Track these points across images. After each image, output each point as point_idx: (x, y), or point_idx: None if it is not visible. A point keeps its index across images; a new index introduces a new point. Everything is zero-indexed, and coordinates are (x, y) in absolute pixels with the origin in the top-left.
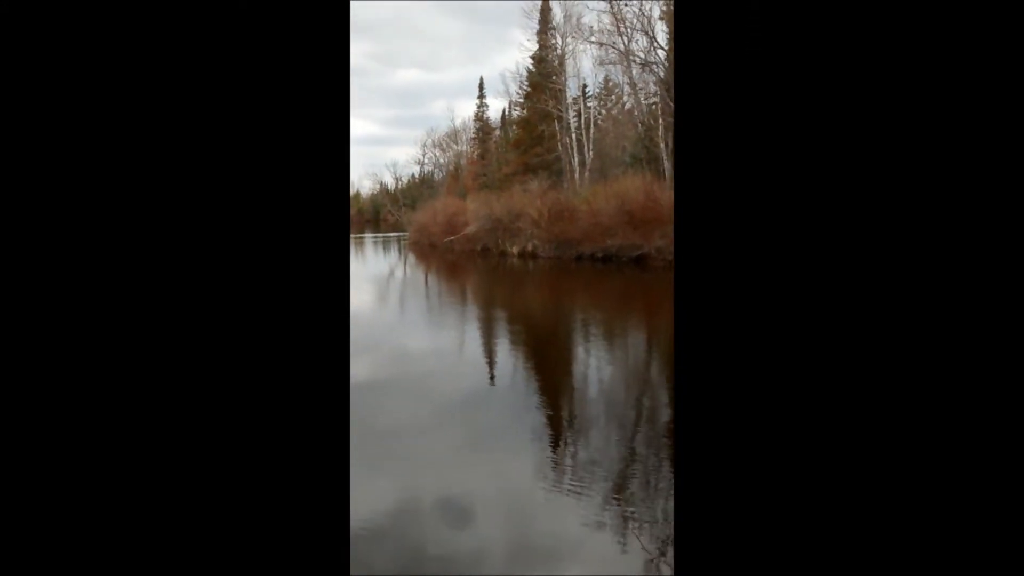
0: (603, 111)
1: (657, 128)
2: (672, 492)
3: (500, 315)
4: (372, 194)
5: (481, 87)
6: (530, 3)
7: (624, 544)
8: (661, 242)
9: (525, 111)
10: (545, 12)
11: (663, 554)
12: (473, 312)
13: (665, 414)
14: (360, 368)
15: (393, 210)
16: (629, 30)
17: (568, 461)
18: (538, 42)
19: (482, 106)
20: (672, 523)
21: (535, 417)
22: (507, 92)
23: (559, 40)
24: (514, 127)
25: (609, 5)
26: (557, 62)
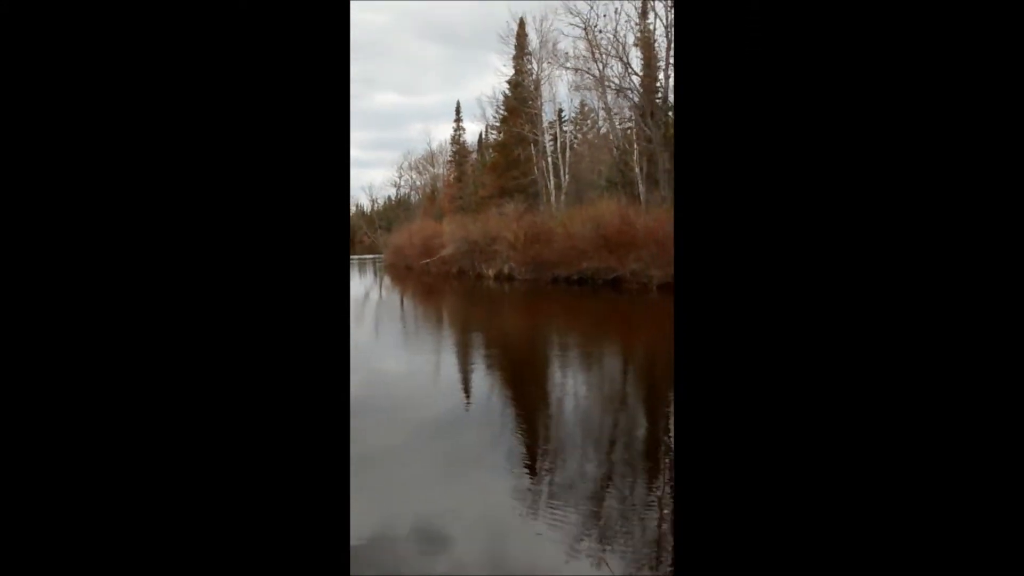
0: (579, 135)
1: (632, 152)
2: (646, 513)
3: (476, 338)
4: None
5: (458, 110)
6: (506, 29)
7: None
8: (636, 265)
9: (501, 135)
10: (521, 38)
11: None
12: (449, 335)
13: (641, 437)
14: None
15: (369, 232)
16: (604, 56)
17: (544, 486)
18: (514, 67)
19: (459, 129)
20: (648, 543)
21: (510, 441)
22: (484, 116)
23: (535, 65)
24: (490, 150)
25: (584, 32)
26: (533, 87)
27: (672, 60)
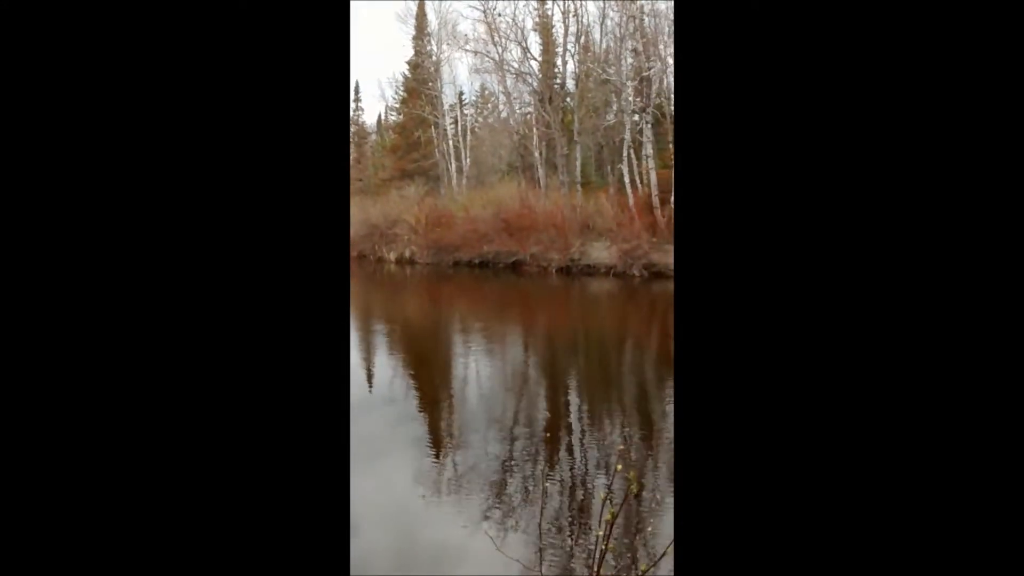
0: (479, 119)
1: (531, 137)
2: (544, 495)
3: (378, 322)
4: None
5: (356, 90)
6: (404, 8)
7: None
8: (535, 248)
9: (401, 116)
10: (420, 18)
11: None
12: (351, 320)
13: (541, 418)
14: None
15: None
16: (503, 40)
17: (448, 468)
18: (414, 47)
19: (358, 110)
20: (547, 517)
21: (414, 426)
22: (383, 96)
23: (435, 46)
24: (390, 132)
25: (483, 15)
26: (433, 68)
27: (569, 47)
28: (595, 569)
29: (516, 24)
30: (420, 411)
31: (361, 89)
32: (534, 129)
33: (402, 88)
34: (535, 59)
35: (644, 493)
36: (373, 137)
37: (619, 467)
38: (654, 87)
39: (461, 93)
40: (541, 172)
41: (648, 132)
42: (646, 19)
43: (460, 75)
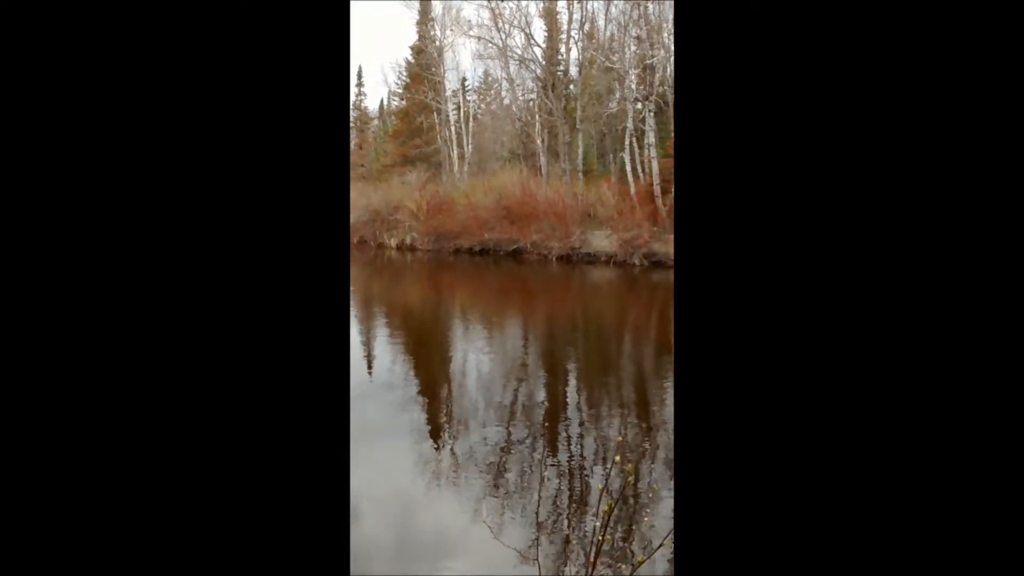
0: (482, 105)
1: (534, 124)
2: (541, 483)
3: (379, 308)
4: None
5: (359, 76)
6: None
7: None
8: (536, 236)
9: (404, 102)
10: (424, 3)
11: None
12: (351, 306)
13: (541, 406)
14: None
15: None
16: (507, 26)
17: (446, 455)
18: (417, 32)
19: (360, 95)
20: (544, 501)
21: (413, 412)
22: (386, 82)
23: (438, 31)
24: (393, 118)
25: (488, 0)
26: (436, 54)
27: (573, 34)
28: (592, 560)
29: (520, 10)
30: (420, 396)
31: (364, 74)
32: (536, 116)
33: (405, 73)
34: (539, 46)
35: (639, 483)
36: (375, 123)
37: (618, 459)
38: (657, 75)
39: (464, 79)
40: (543, 160)
41: (650, 120)
42: (650, 7)
43: (463, 61)
